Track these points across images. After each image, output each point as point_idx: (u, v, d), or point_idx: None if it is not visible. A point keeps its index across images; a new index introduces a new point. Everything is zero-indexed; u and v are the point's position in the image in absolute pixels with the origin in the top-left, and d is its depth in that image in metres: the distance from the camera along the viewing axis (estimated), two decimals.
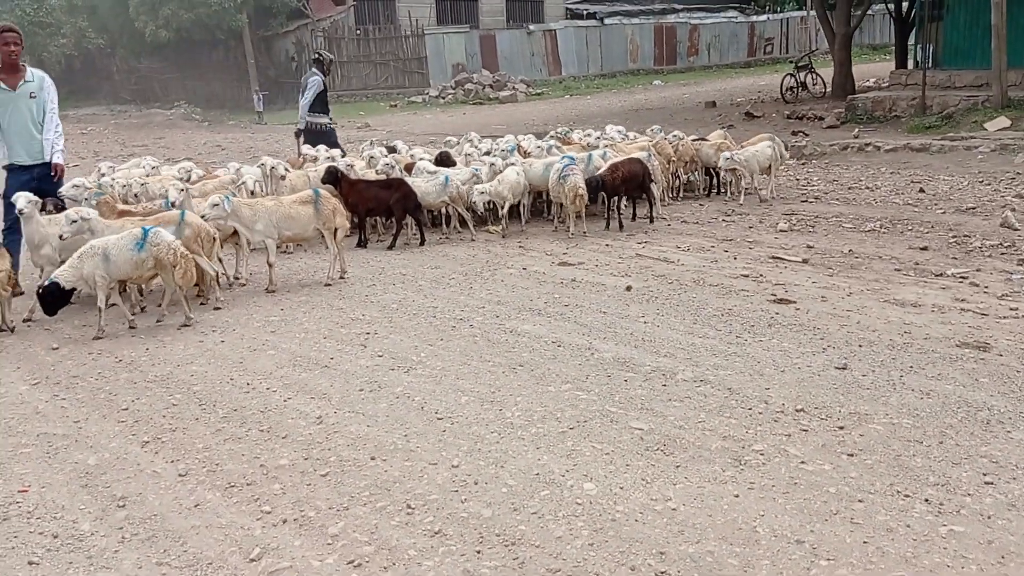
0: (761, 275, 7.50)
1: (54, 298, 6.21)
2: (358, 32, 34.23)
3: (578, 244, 8.98)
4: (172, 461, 4.36)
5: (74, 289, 6.32)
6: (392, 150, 11.17)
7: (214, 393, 5.23)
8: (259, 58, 31.99)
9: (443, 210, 9.63)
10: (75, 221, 6.58)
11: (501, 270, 8.03)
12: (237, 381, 5.42)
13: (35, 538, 3.71)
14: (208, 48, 33.75)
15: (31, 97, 7.51)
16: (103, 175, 9.36)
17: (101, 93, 38.88)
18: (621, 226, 9.40)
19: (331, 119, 12.56)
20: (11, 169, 7.55)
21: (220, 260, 7.88)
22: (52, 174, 7.69)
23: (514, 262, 8.32)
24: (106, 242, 6.30)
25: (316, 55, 12.66)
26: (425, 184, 9.07)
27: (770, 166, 10.75)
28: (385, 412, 4.85)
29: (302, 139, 12.24)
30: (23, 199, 6.73)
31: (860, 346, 5.68)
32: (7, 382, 5.62)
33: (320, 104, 12.28)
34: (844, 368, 5.28)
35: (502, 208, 9.26)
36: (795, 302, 6.69)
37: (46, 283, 6.26)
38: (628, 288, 7.21)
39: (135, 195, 8.47)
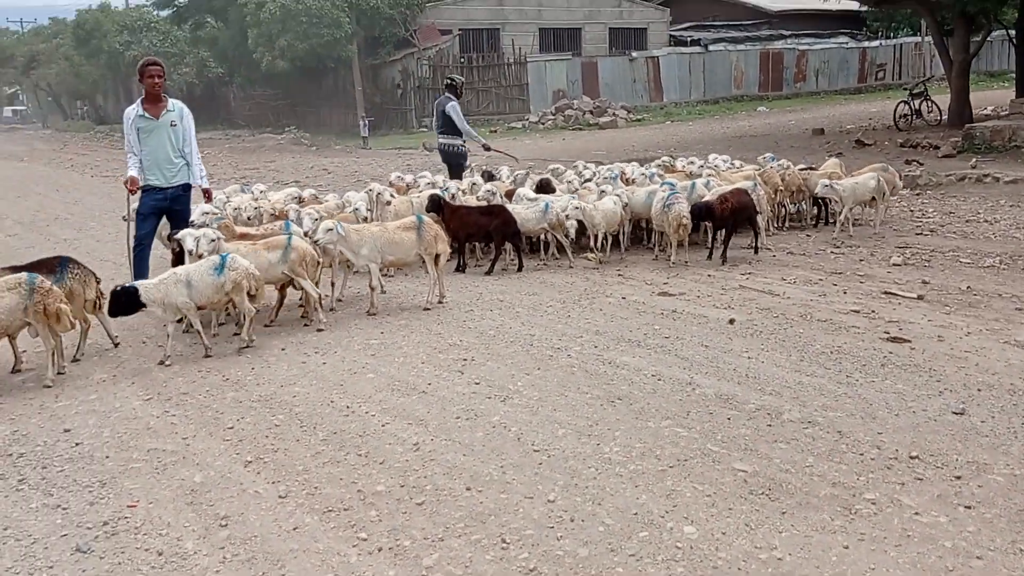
0: (873, 311, 7.21)
1: (129, 299, 6.27)
2: (462, 60, 34.84)
3: (679, 274, 8.82)
4: (273, 482, 4.43)
5: (144, 304, 6.35)
6: (491, 176, 11.23)
7: (314, 415, 5.31)
8: (366, 85, 32.91)
9: (542, 236, 9.61)
10: (213, 240, 6.84)
11: (599, 299, 7.94)
12: (337, 404, 5.49)
13: (141, 554, 3.80)
14: (318, 76, 34.93)
15: (172, 126, 7.93)
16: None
17: (218, 118, 40.73)
18: (725, 259, 9.20)
19: (464, 142, 12.52)
20: (146, 189, 7.92)
21: (333, 284, 8.07)
22: (206, 198, 8.22)
23: (613, 291, 8.23)
24: (188, 269, 6.48)
25: (448, 80, 12.73)
26: (525, 211, 9.09)
27: (873, 198, 10.30)
28: (481, 442, 4.83)
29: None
30: (190, 239, 6.91)
31: (979, 390, 5.38)
32: (122, 396, 5.84)
33: (453, 127, 12.25)
34: (962, 413, 5.00)
35: (596, 236, 9.16)
36: (909, 341, 6.38)
37: (126, 286, 6.37)
38: (731, 321, 7.03)
39: (248, 218, 8.79)
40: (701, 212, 8.86)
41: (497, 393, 5.57)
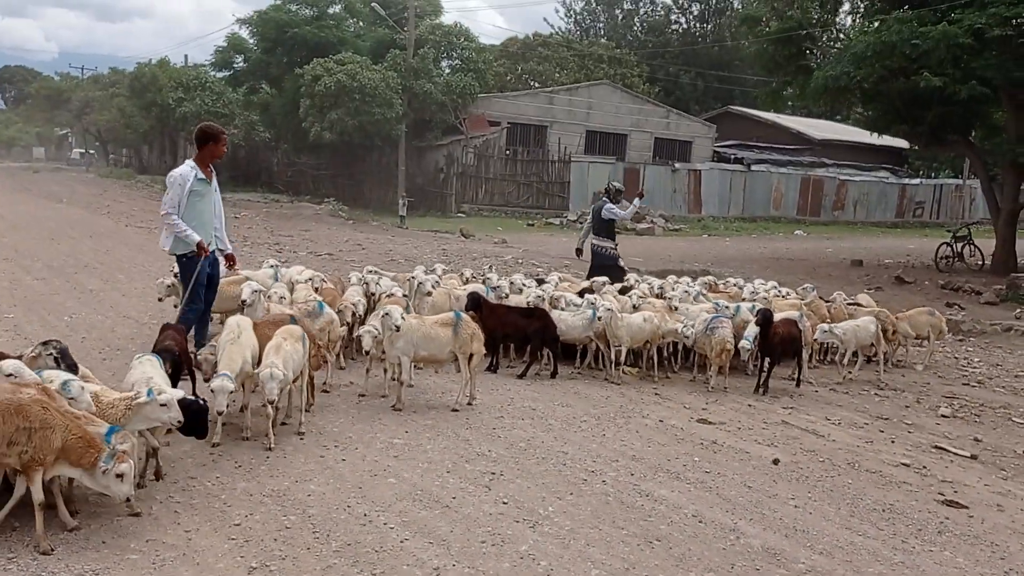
0: (924, 467, 6.78)
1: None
2: (507, 152, 35.25)
3: (718, 400, 8.44)
4: None
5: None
6: (540, 282, 10.92)
7: (329, 520, 4.92)
8: (410, 166, 33.23)
9: (578, 345, 9.27)
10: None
11: (636, 419, 7.56)
12: (354, 510, 5.10)
13: None
14: (364, 151, 35.36)
15: (216, 191, 7.83)
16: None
17: (259, 181, 41.17)
18: (766, 389, 8.82)
19: (615, 244, 12.80)
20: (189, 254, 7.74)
21: (368, 371, 7.66)
22: (229, 264, 8.08)
23: (650, 411, 7.84)
24: (152, 373, 5.53)
25: (611, 187, 13.13)
26: (572, 318, 8.79)
27: (871, 344, 9.66)
28: (508, 574, 4.41)
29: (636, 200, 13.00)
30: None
31: None
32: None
33: (608, 231, 12.65)
34: None
35: (619, 351, 8.78)
36: (967, 507, 5.95)
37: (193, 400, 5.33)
38: (775, 461, 6.62)
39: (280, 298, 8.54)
40: (766, 318, 8.60)
41: (526, 517, 5.17)
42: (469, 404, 7.49)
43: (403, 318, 7.08)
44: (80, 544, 4.44)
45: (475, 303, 8.48)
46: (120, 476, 4.37)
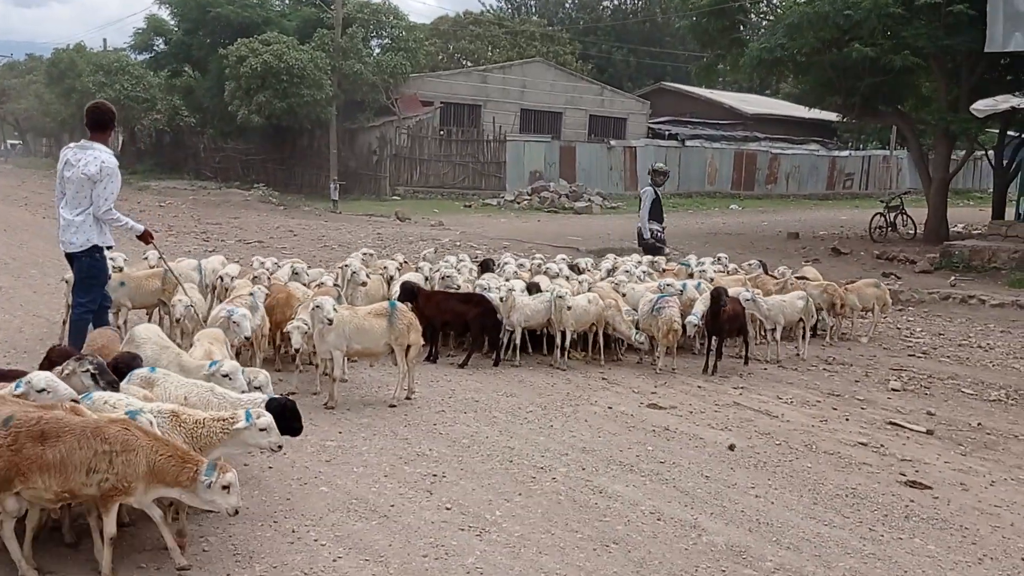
0: (882, 445, 6.57)
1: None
2: (441, 132, 34.56)
3: (667, 382, 8.14)
4: None
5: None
6: (486, 266, 10.32)
7: (252, 539, 4.43)
8: (342, 149, 32.31)
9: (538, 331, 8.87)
10: None
11: (584, 407, 7.19)
12: (281, 525, 4.61)
13: None
14: (294, 134, 34.31)
15: None
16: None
17: (185, 168, 39.78)
18: (715, 370, 8.54)
19: (663, 227, 13.70)
20: (107, 248, 7.10)
21: (299, 369, 7.18)
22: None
23: (598, 397, 7.49)
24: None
25: (652, 168, 13.88)
26: (533, 302, 8.36)
27: (800, 320, 9.33)
28: None
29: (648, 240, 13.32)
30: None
31: (1023, 559, 4.70)
32: None
33: (654, 212, 13.36)
34: None
35: (564, 334, 8.42)
36: (931, 488, 5.73)
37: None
38: (731, 447, 6.32)
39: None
40: (720, 296, 8.26)
41: (472, 523, 4.75)
42: (407, 399, 7.04)
43: (335, 310, 6.60)
44: None
45: (409, 293, 7.96)
46: (226, 488, 3.96)
